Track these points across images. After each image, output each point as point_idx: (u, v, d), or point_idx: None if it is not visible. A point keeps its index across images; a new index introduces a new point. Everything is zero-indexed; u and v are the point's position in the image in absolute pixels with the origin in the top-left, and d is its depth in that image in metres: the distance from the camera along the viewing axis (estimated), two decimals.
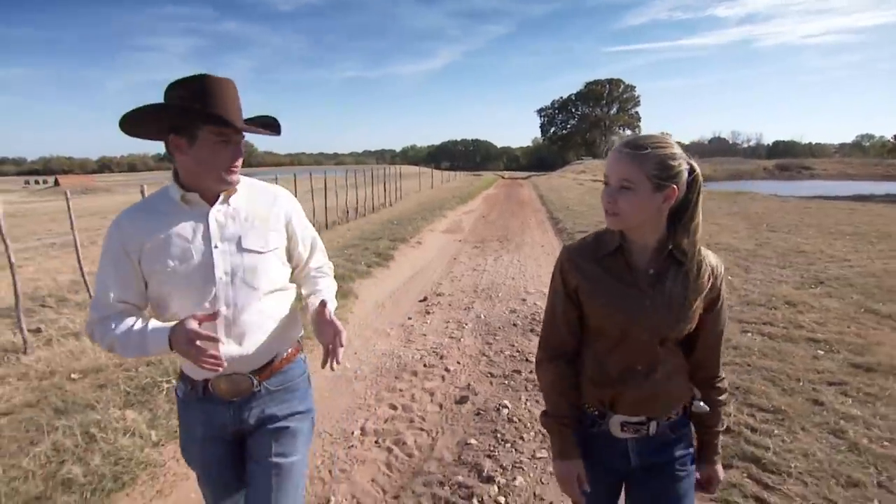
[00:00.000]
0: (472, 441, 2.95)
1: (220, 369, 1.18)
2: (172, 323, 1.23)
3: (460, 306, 5.74)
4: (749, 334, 4.35)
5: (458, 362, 4.14)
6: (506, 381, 3.76)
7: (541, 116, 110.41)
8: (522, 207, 18.68)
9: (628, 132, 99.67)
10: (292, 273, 1.51)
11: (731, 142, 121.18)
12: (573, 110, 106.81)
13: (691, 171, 1.14)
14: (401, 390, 3.67)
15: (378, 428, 3.15)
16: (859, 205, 17.81)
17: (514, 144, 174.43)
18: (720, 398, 1.31)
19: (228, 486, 1.43)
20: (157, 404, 3.16)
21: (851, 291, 5.62)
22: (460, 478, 2.61)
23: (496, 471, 2.65)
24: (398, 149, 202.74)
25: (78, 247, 5.39)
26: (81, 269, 5.42)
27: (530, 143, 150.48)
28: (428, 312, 5.53)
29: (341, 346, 1.30)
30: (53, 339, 4.32)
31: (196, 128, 1.23)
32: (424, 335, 4.81)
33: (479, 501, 2.43)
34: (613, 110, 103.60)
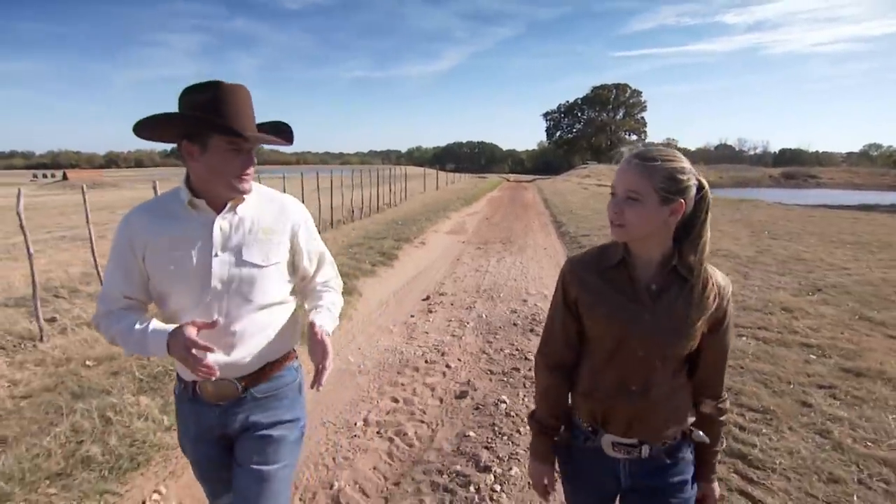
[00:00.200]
0: (471, 433, 3.07)
1: (213, 377, 1.21)
2: (172, 326, 1.25)
3: (462, 306, 5.86)
4: (744, 338, 4.45)
5: (459, 359, 4.26)
6: (505, 378, 3.87)
7: (547, 120, 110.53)
8: (526, 210, 18.79)
9: (634, 137, 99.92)
10: (298, 285, 1.51)
11: (737, 149, 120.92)
12: (579, 114, 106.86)
13: (700, 188, 1.14)
14: (402, 384, 3.78)
15: (380, 419, 3.27)
16: (863, 214, 17.79)
17: (520, 147, 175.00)
18: (721, 419, 1.29)
19: (222, 481, 1.45)
20: (169, 391, 3.29)
21: (848, 299, 5.70)
22: (458, 467, 2.73)
23: (493, 461, 2.77)
24: (403, 149, 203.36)
25: (92, 239, 5.53)
26: (95, 261, 5.56)
27: (536, 147, 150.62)
28: (430, 311, 5.65)
29: (325, 368, 1.31)
30: (68, 328, 4.46)
31: (207, 136, 1.24)
32: (426, 333, 4.93)
33: (475, 489, 2.54)
34: (620, 115, 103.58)
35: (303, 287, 1.52)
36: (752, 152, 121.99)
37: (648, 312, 1.15)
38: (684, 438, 1.27)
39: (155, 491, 2.46)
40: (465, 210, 18.08)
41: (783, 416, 3.08)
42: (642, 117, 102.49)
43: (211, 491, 1.52)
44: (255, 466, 1.36)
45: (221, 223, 1.32)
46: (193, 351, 1.18)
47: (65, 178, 49.06)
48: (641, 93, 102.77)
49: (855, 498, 2.35)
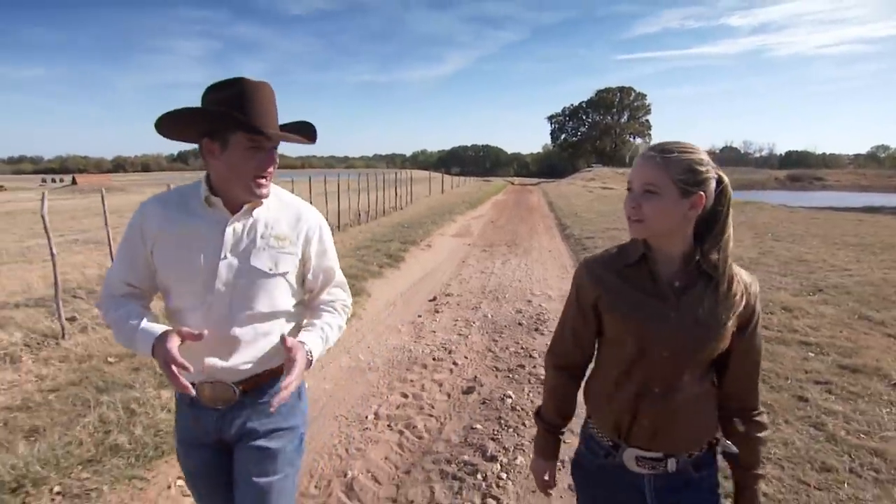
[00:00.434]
0: (478, 426, 3.19)
1: (190, 392, 1.18)
2: (161, 328, 1.22)
3: (468, 306, 5.99)
4: None
5: (466, 357, 4.39)
6: (510, 375, 4.00)
7: (551, 123, 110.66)
8: (531, 213, 18.91)
9: (639, 140, 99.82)
10: (305, 300, 1.48)
11: (742, 151, 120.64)
12: (584, 117, 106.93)
13: (720, 181, 1.10)
14: (411, 381, 3.92)
15: (390, 413, 3.40)
16: (868, 216, 17.81)
17: (525, 151, 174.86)
18: (759, 435, 1.19)
19: (215, 492, 1.42)
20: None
21: (848, 299, 5.79)
22: (466, 457, 2.85)
23: (499, 451, 2.89)
24: (408, 153, 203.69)
25: (110, 241, 5.71)
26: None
27: (540, 150, 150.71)
28: (437, 311, 5.78)
29: (284, 389, 1.19)
30: (88, 327, 4.62)
31: (229, 133, 1.22)
32: (434, 332, 5.06)
33: (482, 477, 2.67)
34: (624, 118, 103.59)
35: (308, 302, 1.48)
36: (757, 155, 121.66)
37: (673, 311, 1.10)
38: (711, 449, 1.20)
39: (179, 477, 2.59)
40: (470, 213, 18.22)
41: (780, 409, 3.19)
42: (647, 120, 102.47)
43: (200, 500, 1.47)
44: (255, 479, 1.35)
45: (235, 225, 1.30)
46: (172, 367, 1.14)
47: (74, 182, 49.60)
48: (646, 96, 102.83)
49: (845, 485, 2.46)
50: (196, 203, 1.31)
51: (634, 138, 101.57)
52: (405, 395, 3.67)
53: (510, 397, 3.57)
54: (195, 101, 1.27)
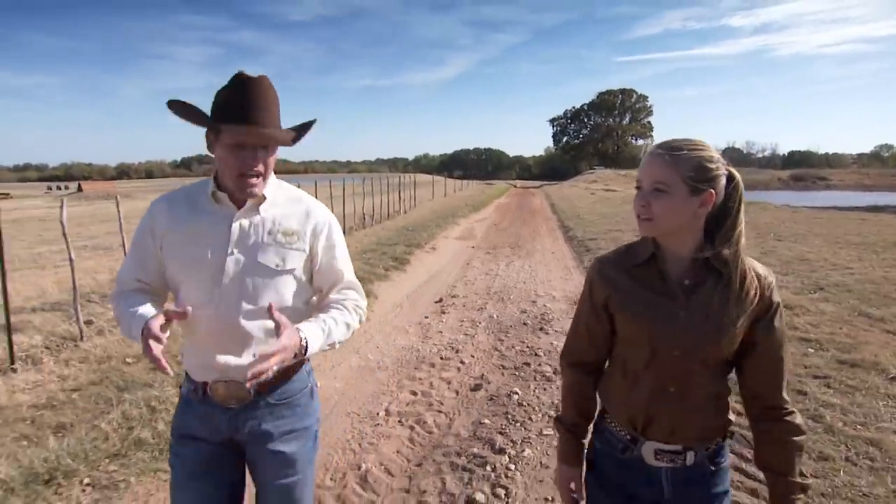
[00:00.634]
0: (486, 421, 3.30)
1: (167, 373, 1.15)
2: (154, 312, 1.22)
3: (474, 307, 6.10)
4: None
5: (473, 356, 4.49)
6: (516, 373, 4.10)
7: (553, 126, 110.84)
8: (534, 216, 19.03)
9: (641, 142, 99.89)
10: (314, 299, 1.46)
11: (745, 152, 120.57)
12: (585, 120, 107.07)
13: (730, 177, 1.09)
14: (420, 379, 4.02)
15: (401, 410, 3.50)
16: (872, 215, 17.87)
17: (527, 153, 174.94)
18: (794, 438, 1.11)
19: (201, 489, 1.36)
20: None
21: (849, 297, 5.88)
22: (475, 450, 2.96)
23: (507, 444, 3.00)
24: (411, 157, 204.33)
25: (125, 246, 5.85)
26: None
27: (542, 153, 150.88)
28: (443, 312, 5.89)
29: (263, 369, 1.10)
30: (105, 330, 4.75)
31: (220, 126, 1.21)
32: (441, 332, 5.17)
33: (491, 468, 2.77)
34: (626, 120, 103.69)
35: (318, 302, 1.46)
36: (760, 155, 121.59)
37: (682, 310, 1.10)
38: (724, 441, 1.20)
39: None
40: (473, 216, 18.35)
41: None
42: (649, 122, 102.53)
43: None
44: (276, 482, 1.37)
45: (242, 221, 1.29)
46: (150, 341, 1.12)
47: (80, 189, 50.00)
48: (647, 97, 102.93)
49: (841, 473, 2.55)
50: (204, 199, 1.31)
51: (636, 140, 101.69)
52: (414, 393, 3.78)
53: (517, 394, 3.67)
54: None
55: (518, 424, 3.24)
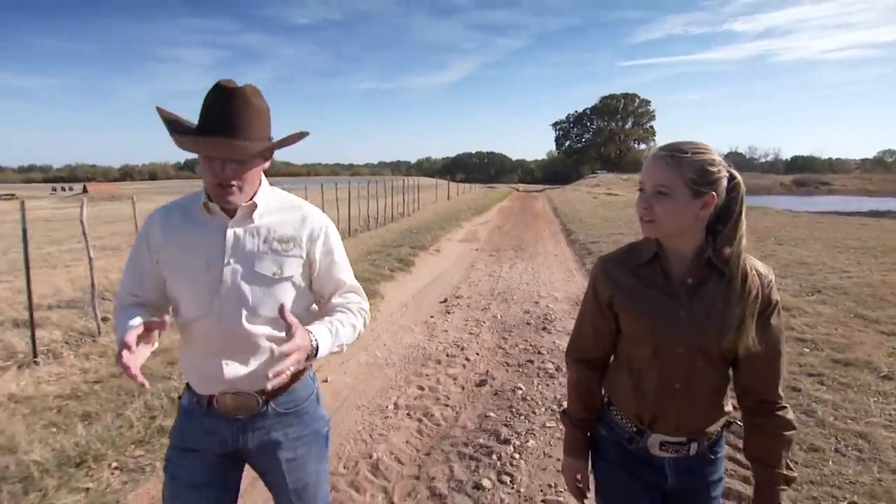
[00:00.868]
0: (491, 414, 3.43)
1: (143, 386, 1.12)
2: (140, 321, 1.18)
3: (478, 307, 6.24)
4: None
5: (478, 353, 4.63)
6: (520, 369, 4.23)
7: (556, 130, 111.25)
8: (536, 219, 19.17)
9: (643, 146, 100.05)
10: (316, 305, 1.46)
11: (747, 156, 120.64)
12: (588, 124, 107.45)
13: (731, 178, 1.11)
14: (427, 375, 4.16)
15: (409, 404, 3.64)
16: (873, 220, 17.97)
17: (529, 157, 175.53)
18: (785, 433, 1.15)
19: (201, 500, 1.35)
20: None
21: (846, 299, 6.00)
22: (481, 440, 3.09)
23: (512, 435, 3.13)
24: (413, 160, 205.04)
25: None
26: None
27: (545, 157, 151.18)
28: (448, 312, 6.03)
29: (281, 365, 1.08)
30: None
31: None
32: (446, 331, 5.31)
33: (497, 457, 2.90)
34: (628, 124, 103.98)
35: (320, 308, 1.45)
36: (763, 160, 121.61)
37: (684, 309, 1.13)
38: (723, 431, 1.25)
39: None
40: (476, 219, 18.50)
41: None
42: (651, 126, 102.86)
43: None
44: (293, 486, 1.39)
45: (236, 230, 1.29)
46: (122, 351, 1.09)
47: (85, 190, 50.32)
48: (650, 102, 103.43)
49: (830, 463, 2.68)
50: (196, 210, 1.31)
51: (639, 144, 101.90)
52: (422, 388, 3.91)
53: (521, 389, 3.81)
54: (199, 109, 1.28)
55: (522, 417, 3.38)
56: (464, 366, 4.35)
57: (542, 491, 2.61)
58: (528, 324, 5.52)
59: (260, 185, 1.32)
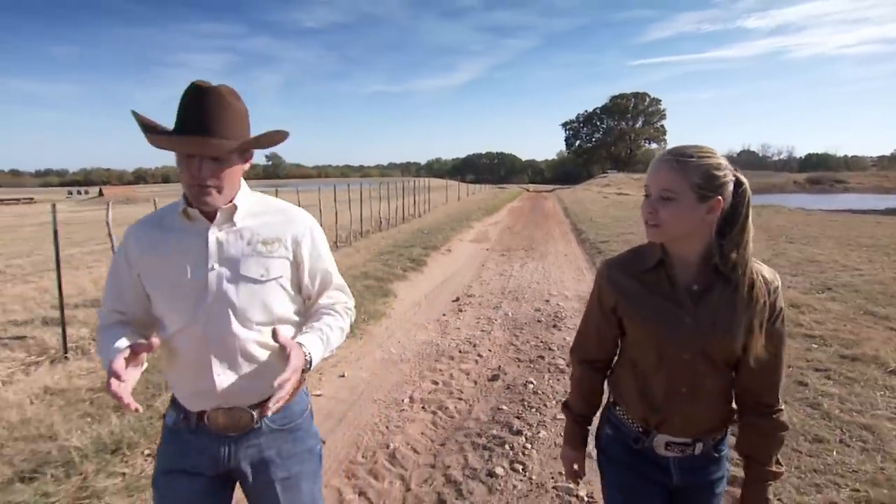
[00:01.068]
0: (503, 407, 3.55)
1: (134, 411, 1.08)
2: (124, 345, 1.15)
3: (489, 305, 6.35)
4: None
5: (490, 350, 4.74)
6: (531, 365, 4.34)
7: (566, 130, 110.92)
8: (547, 219, 19.22)
9: (654, 145, 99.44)
10: (302, 307, 1.43)
11: (760, 155, 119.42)
12: (598, 124, 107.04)
13: (738, 183, 1.11)
14: (440, 370, 4.28)
15: (423, 397, 3.76)
16: (888, 218, 17.74)
17: (539, 157, 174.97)
18: (778, 434, 1.18)
19: None
20: None
21: (856, 297, 6.02)
22: (494, 431, 3.21)
23: (524, 427, 3.24)
24: (423, 161, 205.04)
25: None
26: None
27: (555, 157, 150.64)
28: (460, 310, 6.15)
29: (280, 387, 1.10)
30: None
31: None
32: (458, 328, 5.43)
33: (510, 447, 3.02)
34: (639, 124, 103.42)
35: (307, 309, 1.42)
36: (776, 158, 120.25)
37: (689, 316, 1.12)
38: (727, 430, 1.26)
39: None
40: (487, 220, 18.60)
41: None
42: (662, 125, 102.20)
43: None
44: None
45: (218, 234, 1.25)
46: (111, 380, 1.06)
47: (101, 194, 51.19)
48: (660, 101, 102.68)
49: (834, 453, 2.76)
50: (175, 218, 1.28)
51: (649, 143, 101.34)
52: (436, 383, 4.03)
53: (532, 383, 3.92)
54: None
55: (534, 410, 3.49)
56: (476, 361, 4.46)
57: (552, 478, 2.72)
58: (538, 321, 5.62)
59: (240, 188, 1.30)
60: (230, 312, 1.23)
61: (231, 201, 1.27)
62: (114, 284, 1.30)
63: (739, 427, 1.23)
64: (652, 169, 1.13)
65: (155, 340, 1.13)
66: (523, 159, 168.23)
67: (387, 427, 3.33)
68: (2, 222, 21.55)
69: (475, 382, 4.02)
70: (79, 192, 67.21)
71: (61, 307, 4.41)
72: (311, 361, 1.21)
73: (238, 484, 1.37)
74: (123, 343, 1.17)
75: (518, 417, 3.38)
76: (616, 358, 1.35)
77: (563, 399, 1.47)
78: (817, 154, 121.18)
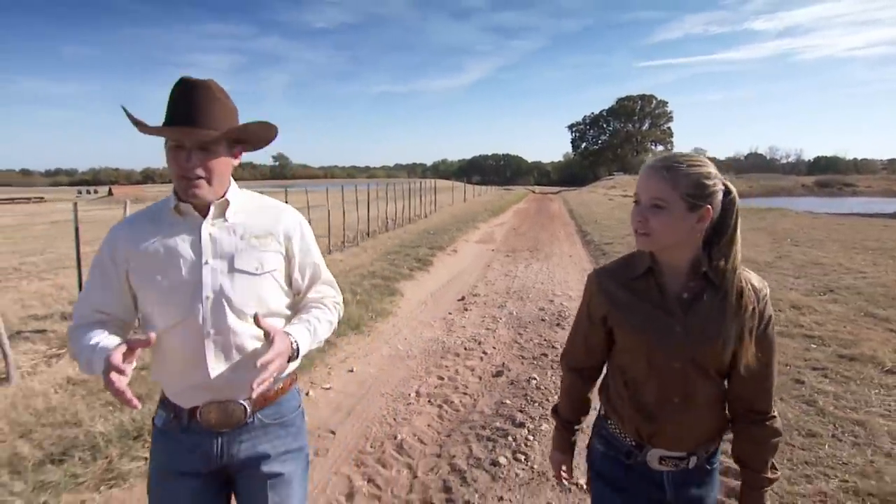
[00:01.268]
0: (507, 401, 3.66)
1: (135, 406, 1.06)
2: (117, 342, 1.14)
3: (494, 305, 6.46)
4: None
5: (494, 347, 4.86)
6: (535, 362, 4.45)
7: (572, 132, 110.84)
8: (552, 221, 19.29)
9: (661, 148, 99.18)
10: (293, 301, 1.44)
11: (768, 157, 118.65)
12: (605, 126, 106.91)
13: (727, 192, 1.12)
14: (446, 366, 4.40)
15: (429, 392, 3.89)
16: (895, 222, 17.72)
17: (545, 159, 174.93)
18: (772, 440, 1.18)
19: None
20: None
21: (858, 299, 6.08)
22: (498, 424, 3.32)
23: (526, 420, 3.36)
24: (429, 162, 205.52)
25: None
26: None
27: (561, 158, 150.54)
28: (466, 309, 6.26)
29: (264, 369, 1.11)
30: None
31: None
32: (464, 327, 5.55)
33: (512, 439, 3.13)
34: (645, 126, 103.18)
35: (296, 303, 1.44)
36: (784, 161, 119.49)
37: (679, 324, 1.12)
38: (720, 442, 1.26)
39: None
40: (492, 221, 18.71)
41: (776, 389, 3.56)
42: (669, 127, 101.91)
43: None
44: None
45: (211, 229, 1.26)
46: (112, 375, 1.04)
47: (110, 193, 51.72)
48: (667, 103, 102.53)
49: (826, 447, 2.85)
50: (165, 215, 1.27)
51: (656, 146, 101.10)
52: (441, 378, 4.15)
53: (535, 379, 4.03)
54: None
55: (536, 404, 3.60)
56: (481, 358, 4.58)
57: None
58: (542, 320, 5.73)
59: (230, 185, 1.32)
60: (226, 306, 1.23)
61: (223, 196, 1.28)
62: (97, 283, 1.27)
63: (734, 435, 1.23)
64: (642, 176, 1.14)
65: (152, 335, 1.12)
66: (529, 161, 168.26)
67: (394, 419, 3.45)
68: (14, 221, 21.87)
69: (480, 378, 4.13)
70: (88, 192, 67.82)
71: None
72: (297, 350, 1.24)
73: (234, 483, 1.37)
74: (113, 340, 1.17)
75: (521, 411, 3.50)
76: (606, 369, 1.34)
77: (553, 405, 1.48)
78: (826, 157, 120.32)
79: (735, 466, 1.27)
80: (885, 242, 11.06)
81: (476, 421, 3.38)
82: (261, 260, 1.29)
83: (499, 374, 4.20)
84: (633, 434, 1.22)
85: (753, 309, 1.11)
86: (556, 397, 3.80)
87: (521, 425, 3.29)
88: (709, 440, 1.21)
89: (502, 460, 2.90)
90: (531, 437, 3.14)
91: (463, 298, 6.81)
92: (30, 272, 8.91)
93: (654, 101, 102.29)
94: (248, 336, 1.26)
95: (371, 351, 4.74)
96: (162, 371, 1.28)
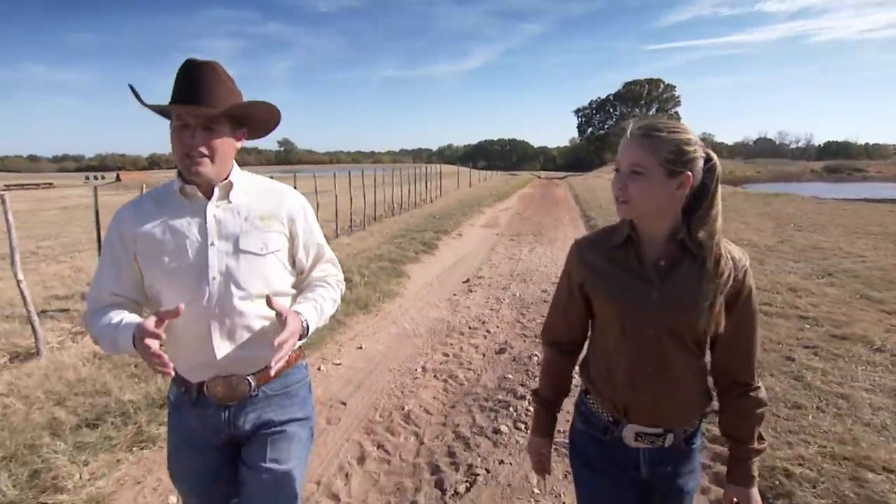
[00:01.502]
0: (509, 376, 3.85)
1: (169, 372, 1.11)
2: (136, 319, 1.19)
3: (498, 286, 6.63)
4: None
5: (498, 326, 5.04)
6: (537, 340, 4.62)
7: (578, 116, 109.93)
8: (557, 206, 19.38)
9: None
10: (297, 280, 1.47)
11: (777, 142, 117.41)
12: (611, 110, 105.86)
13: (708, 159, 1.10)
14: (451, 344, 4.59)
15: (435, 367, 4.08)
16: None
17: (551, 144, 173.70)
18: (756, 411, 1.19)
19: (216, 496, 1.38)
20: None
21: (854, 282, 6.21)
22: (500, 396, 3.51)
23: (527, 393, 3.54)
24: (435, 148, 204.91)
25: None
26: None
27: (567, 143, 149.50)
28: (470, 291, 6.44)
29: (280, 348, 1.18)
30: None
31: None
32: (468, 307, 5.73)
33: (514, 410, 3.32)
34: (653, 111, 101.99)
35: (299, 282, 1.47)
36: (794, 146, 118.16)
37: (656, 291, 1.12)
38: (700, 422, 1.25)
39: None
40: (497, 206, 18.82)
41: (767, 365, 3.74)
42: (676, 112, 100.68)
43: None
44: (268, 465, 1.32)
45: (216, 211, 1.29)
46: (146, 340, 1.09)
47: (118, 179, 52.06)
48: (675, 87, 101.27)
49: (809, 417, 3.02)
50: (170, 197, 1.31)
51: None
52: (446, 355, 4.34)
53: (536, 356, 4.21)
54: None
55: (537, 379, 3.78)
56: (485, 336, 4.76)
57: None
58: (545, 301, 5.90)
59: (233, 167, 1.34)
60: (232, 286, 1.27)
61: (226, 178, 1.31)
62: (109, 266, 1.30)
63: (720, 409, 1.24)
64: (622, 144, 1.12)
65: (182, 305, 1.14)
66: (535, 146, 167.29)
67: (402, 392, 3.65)
68: (25, 206, 22.18)
69: (483, 355, 4.32)
70: (95, 178, 68.16)
71: None
72: (307, 328, 1.29)
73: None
74: (134, 318, 1.21)
75: (522, 385, 3.69)
76: (588, 344, 1.34)
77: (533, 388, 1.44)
78: (836, 142, 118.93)
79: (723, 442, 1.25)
80: (888, 227, 11.10)
81: (479, 394, 3.58)
82: (265, 241, 1.32)
83: (502, 351, 4.38)
84: (609, 409, 1.22)
85: (730, 276, 1.10)
86: None
87: (522, 398, 3.48)
88: (686, 418, 1.20)
89: (504, 429, 3.09)
90: (531, 409, 3.33)
91: (468, 280, 6.99)
92: (47, 255, 9.16)
93: (662, 86, 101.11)
94: (253, 316, 1.29)
95: (379, 329, 4.93)
96: (171, 349, 1.30)
